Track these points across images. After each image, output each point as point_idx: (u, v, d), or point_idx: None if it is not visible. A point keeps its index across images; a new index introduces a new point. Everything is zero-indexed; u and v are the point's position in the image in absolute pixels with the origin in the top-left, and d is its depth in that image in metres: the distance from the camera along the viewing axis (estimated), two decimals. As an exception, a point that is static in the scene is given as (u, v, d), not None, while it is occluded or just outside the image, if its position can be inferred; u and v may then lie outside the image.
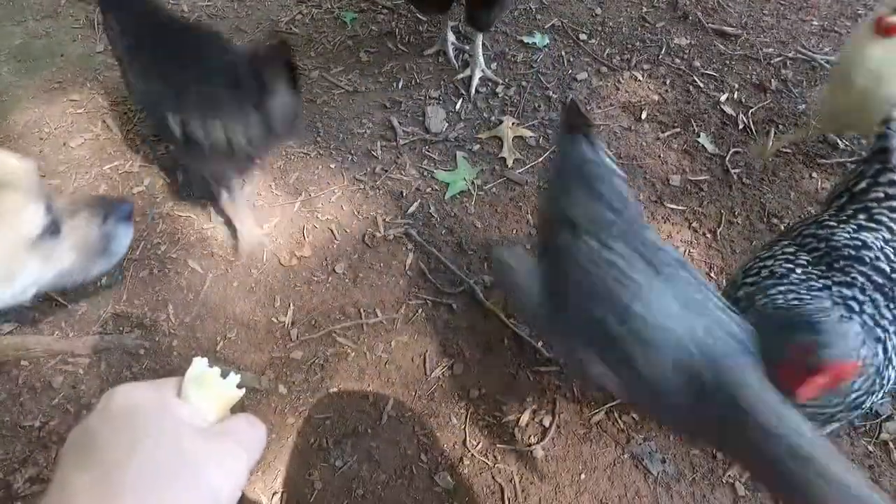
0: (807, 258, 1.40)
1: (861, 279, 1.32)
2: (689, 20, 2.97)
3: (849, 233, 1.40)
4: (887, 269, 1.33)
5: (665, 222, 2.26)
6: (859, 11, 3.03)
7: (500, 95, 2.65)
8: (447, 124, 2.55)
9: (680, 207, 2.30)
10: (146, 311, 2.03)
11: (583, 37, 2.89)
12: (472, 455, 1.77)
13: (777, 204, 2.31)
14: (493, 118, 2.57)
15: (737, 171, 2.40)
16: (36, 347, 1.92)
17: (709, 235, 2.23)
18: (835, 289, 1.31)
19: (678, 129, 2.54)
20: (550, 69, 2.76)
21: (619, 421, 1.82)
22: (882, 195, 1.44)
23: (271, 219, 2.26)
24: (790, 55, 2.81)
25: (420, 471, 1.74)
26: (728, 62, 2.80)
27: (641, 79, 2.72)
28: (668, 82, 2.71)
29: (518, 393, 1.88)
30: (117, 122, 2.53)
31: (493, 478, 1.74)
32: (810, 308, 1.24)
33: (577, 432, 1.81)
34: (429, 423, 1.83)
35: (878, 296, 1.30)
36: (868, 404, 1.28)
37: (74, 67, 2.74)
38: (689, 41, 2.88)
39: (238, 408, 0.67)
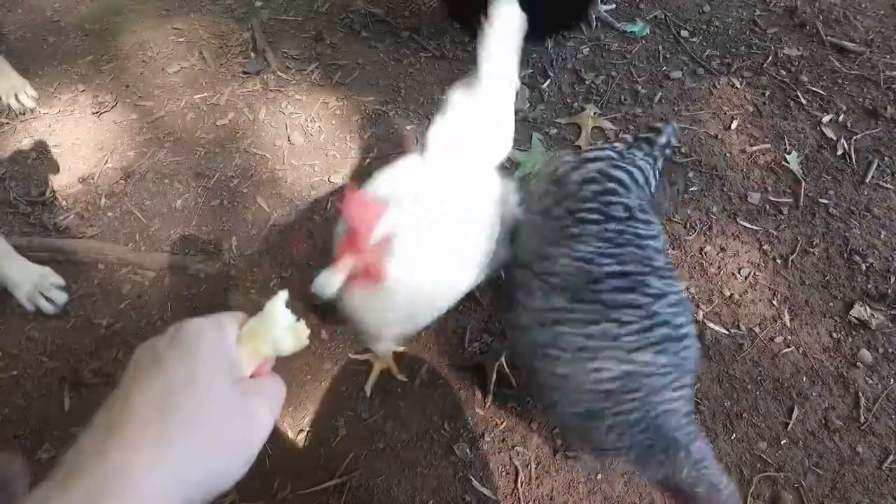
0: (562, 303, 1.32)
1: (607, 296, 1.24)
2: (806, 30, 2.77)
3: (567, 257, 1.30)
4: (619, 269, 1.26)
5: (734, 240, 2.16)
6: None
7: (586, 82, 2.58)
8: (529, 103, 2.51)
9: (753, 227, 2.19)
10: (211, 238, 2.14)
11: (684, 33, 2.76)
12: (494, 433, 1.79)
13: (863, 241, 2.16)
14: (575, 104, 2.51)
15: (825, 200, 2.25)
16: (111, 254, 2.08)
17: (779, 261, 2.12)
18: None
19: (768, 145, 2.40)
20: (644, 63, 2.66)
21: (647, 430, 1.79)
22: (575, 187, 1.37)
23: (341, 170, 2.32)
24: (915, 83, 2.59)
25: (441, 437, 1.79)
26: (840, 81, 2.60)
27: (739, 86, 2.57)
28: (767, 94, 2.55)
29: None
30: (212, 55, 2.64)
31: (510, 458, 1.76)
32: None
33: (602, 433, 1.80)
34: (457, 395, 1.86)
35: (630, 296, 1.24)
36: None
37: (183, -3, 2.86)
38: (800, 52, 2.70)
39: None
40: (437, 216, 1.31)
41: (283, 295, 0.71)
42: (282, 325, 0.69)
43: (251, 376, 0.68)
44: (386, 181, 1.42)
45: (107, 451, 0.53)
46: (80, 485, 0.51)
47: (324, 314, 1.94)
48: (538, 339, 1.28)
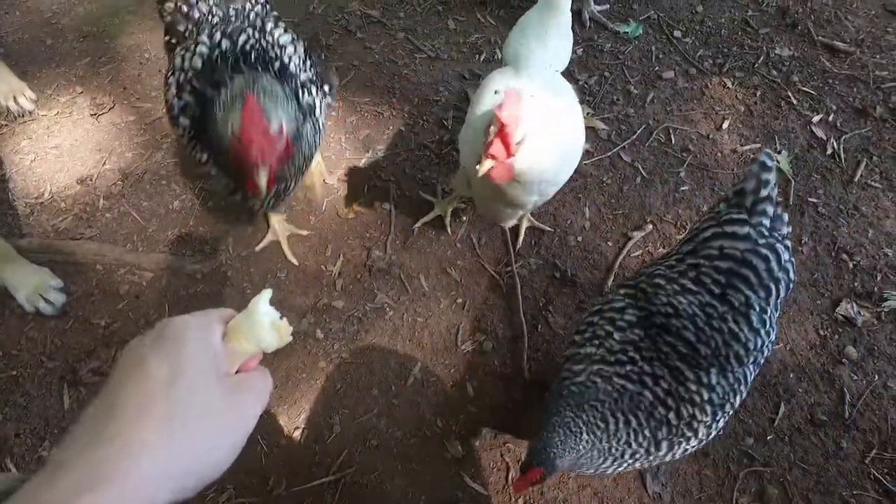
0: (632, 317, 1.38)
1: (666, 349, 1.31)
2: (798, 30, 2.80)
3: (667, 294, 1.34)
4: (693, 338, 1.28)
5: (725, 239, 2.19)
6: None
7: (580, 83, 2.61)
8: (521, 104, 2.53)
9: (744, 226, 2.22)
10: (208, 238, 2.17)
11: (677, 34, 2.78)
12: (486, 430, 1.83)
13: (850, 240, 2.19)
14: (568, 105, 2.53)
15: (813, 198, 2.29)
16: (109, 255, 2.11)
17: (769, 260, 2.15)
18: (640, 364, 1.32)
19: (758, 145, 2.43)
20: (637, 63, 2.68)
21: (637, 427, 1.83)
22: (715, 252, 1.31)
23: (336, 171, 2.34)
24: (904, 82, 2.61)
25: (434, 435, 1.82)
26: (831, 81, 2.63)
27: (731, 86, 2.60)
28: (758, 94, 2.58)
29: (543, 380, 1.91)
30: (210, 57, 2.66)
31: (501, 456, 1.79)
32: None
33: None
34: (450, 393, 1.89)
35: (680, 364, 1.30)
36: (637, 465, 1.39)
37: (179, -2, 2.87)
38: (791, 53, 2.72)
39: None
40: (550, 111, 1.52)
41: (266, 293, 0.73)
42: (265, 322, 0.71)
43: (239, 371, 0.70)
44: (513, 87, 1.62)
45: (95, 445, 0.55)
46: (68, 477, 0.52)
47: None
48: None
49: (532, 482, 1.33)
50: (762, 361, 1.37)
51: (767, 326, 1.30)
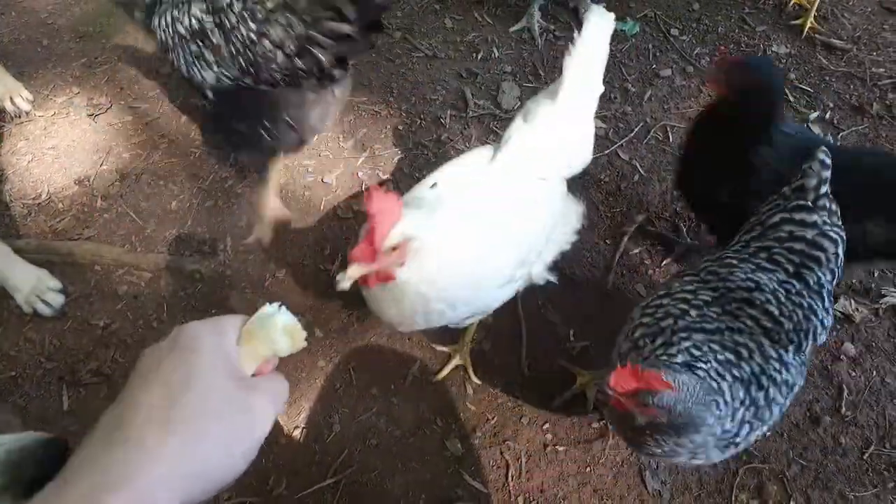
0: (706, 297, 1.38)
1: (750, 323, 1.32)
2: (795, 28, 2.80)
3: (745, 272, 1.38)
4: (776, 311, 1.32)
5: (723, 236, 2.19)
6: None
7: (577, 81, 2.60)
8: (519, 102, 2.54)
9: (742, 223, 2.22)
10: (207, 238, 2.17)
11: (674, 31, 2.79)
12: (485, 428, 1.83)
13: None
14: (565, 103, 2.53)
15: (811, 195, 2.29)
16: (108, 256, 2.10)
17: (766, 257, 2.15)
18: (727, 334, 1.32)
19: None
20: (634, 61, 2.68)
21: (636, 424, 1.83)
22: (785, 234, 1.40)
23: (334, 170, 2.34)
24: (902, 79, 2.62)
25: (433, 433, 1.82)
26: (827, 78, 2.63)
27: (728, 84, 2.60)
28: (756, 91, 2.58)
29: (542, 379, 1.91)
30: (207, 57, 2.66)
31: (501, 453, 1.80)
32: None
33: (592, 426, 1.84)
34: (449, 391, 1.90)
35: (764, 340, 1.31)
36: (730, 452, 1.31)
37: (176, -2, 2.87)
38: (788, 50, 2.73)
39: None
40: (469, 216, 1.35)
41: (275, 307, 0.73)
42: (279, 327, 0.71)
43: (255, 375, 0.71)
44: (433, 179, 1.47)
45: (110, 448, 0.55)
46: (85, 479, 0.53)
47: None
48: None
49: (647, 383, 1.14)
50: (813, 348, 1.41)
51: (832, 308, 1.38)
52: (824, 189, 1.40)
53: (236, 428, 0.62)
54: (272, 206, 2.16)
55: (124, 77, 2.60)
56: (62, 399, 1.85)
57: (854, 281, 2.09)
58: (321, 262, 2.13)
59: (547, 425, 1.83)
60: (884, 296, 2.05)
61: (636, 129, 2.46)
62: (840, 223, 1.41)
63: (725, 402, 1.23)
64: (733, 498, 1.72)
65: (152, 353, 0.65)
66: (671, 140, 2.43)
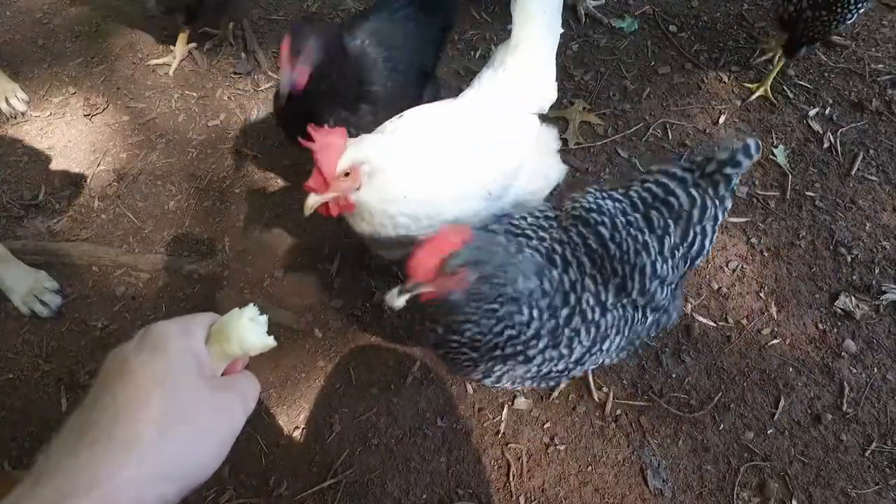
0: (551, 213, 1.40)
1: (577, 239, 1.31)
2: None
3: (595, 198, 1.36)
4: (607, 234, 1.29)
5: (722, 233, 2.19)
6: None
7: (575, 79, 2.60)
8: (517, 101, 2.52)
9: (741, 220, 2.22)
10: (205, 238, 2.16)
11: (673, 28, 2.78)
12: (486, 427, 1.82)
13: (848, 233, 2.19)
14: (564, 100, 2.53)
15: (811, 192, 2.28)
16: (105, 256, 2.09)
17: (766, 254, 2.15)
18: (554, 244, 1.31)
19: (755, 139, 2.42)
20: (633, 58, 2.67)
21: (638, 422, 1.83)
22: (651, 180, 1.36)
23: (332, 170, 2.33)
24: (901, 75, 2.61)
25: (434, 433, 1.81)
26: (827, 74, 2.63)
27: (727, 80, 2.60)
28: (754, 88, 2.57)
29: (541, 377, 1.91)
30: (203, 55, 2.65)
31: (502, 453, 1.79)
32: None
33: (594, 424, 1.83)
34: (450, 391, 1.89)
35: (586, 261, 1.30)
36: (546, 368, 1.33)
37: (172, -3, 2.85)
38: (787, 47, 2.72)
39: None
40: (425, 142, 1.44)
41: (251, 306, 0.73)
42: (247, 325, 0.71)
43: (225, 374, 0.70)
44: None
45: (77, 451, 0.54)
46: (50, 484, 0.52)
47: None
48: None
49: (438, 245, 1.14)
50: (654, 325, 1.39)
51: (675, 267, 1.33)
52: (730, 172, 1.30)
53: (208, 425, 0.61)
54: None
55: (121, 77, 2.58)
56: (61, 401, 1.84)
57: (854, 277, 2.09)
58: (321, 262, 2.12)
59: (548, 424, 1.83)
60: (884, 292, 2.05)
61: (635, 127, 2.45)
62: (723, 202, 1.34)
63: (535, 291, 1.22)
64: (735, 496, 1.72)
65: (118, 354, 0.63)
66: (670, 137, 2.43)
